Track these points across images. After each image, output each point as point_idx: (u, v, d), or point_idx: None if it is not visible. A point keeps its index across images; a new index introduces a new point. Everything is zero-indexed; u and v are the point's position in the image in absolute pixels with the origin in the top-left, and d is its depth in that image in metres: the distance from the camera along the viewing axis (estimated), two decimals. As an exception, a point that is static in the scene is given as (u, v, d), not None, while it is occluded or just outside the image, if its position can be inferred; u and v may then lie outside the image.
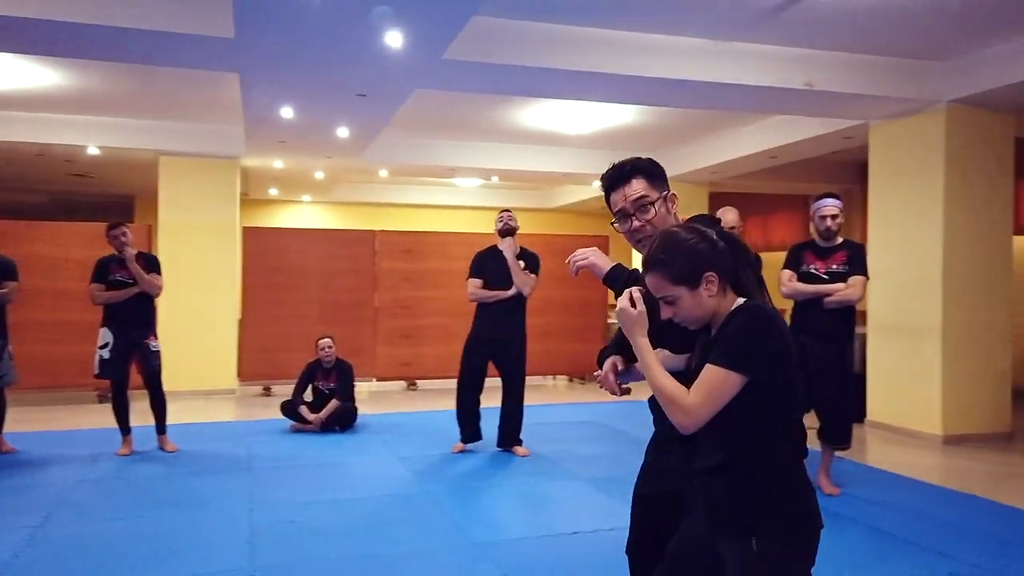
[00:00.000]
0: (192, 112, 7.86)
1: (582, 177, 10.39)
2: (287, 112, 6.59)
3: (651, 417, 2.12)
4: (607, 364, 2.11)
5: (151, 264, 5.56)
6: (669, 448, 2.07)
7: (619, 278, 2.04)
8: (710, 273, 1.66)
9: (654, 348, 1.76)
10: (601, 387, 2.17)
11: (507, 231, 5.49)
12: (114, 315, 5.43)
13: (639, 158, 2.07)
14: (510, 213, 5.57)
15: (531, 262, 5.55)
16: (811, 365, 4.41)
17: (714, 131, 8.68)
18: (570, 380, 9.93)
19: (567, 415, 7.24)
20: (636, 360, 2.12)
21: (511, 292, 5.44)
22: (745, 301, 1.69)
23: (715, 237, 1.72)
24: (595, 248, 2.12)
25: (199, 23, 4.50)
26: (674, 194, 2.06)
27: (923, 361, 6.10)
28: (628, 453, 5.66)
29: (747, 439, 1.63)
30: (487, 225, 12.49)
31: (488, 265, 5.50)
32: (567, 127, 8.29)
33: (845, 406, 4.53)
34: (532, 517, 4.17)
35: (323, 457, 5.47)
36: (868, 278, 4.46)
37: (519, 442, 5.59)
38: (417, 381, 9.22)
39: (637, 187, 2.03)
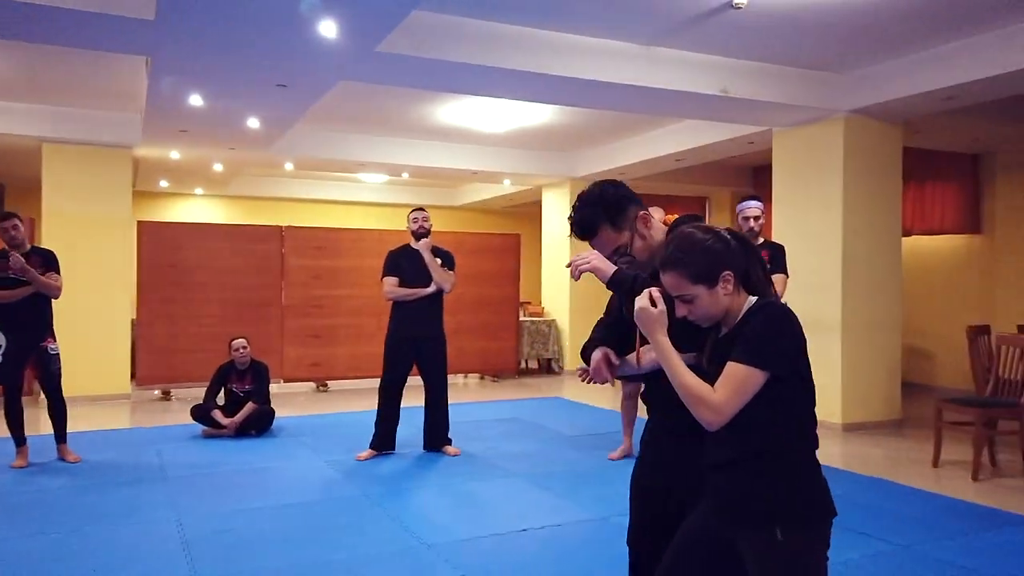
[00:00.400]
0: (81, 97, 7.31)
1: (494, 175, 10.42)
2: (195, 100, 6.24)
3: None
4: (598, 354, 2.09)
5: (48, 261, 5.14)
6: (664, 442, 2.11)
7: (625, 281, 2.03)
8: (727, 272, 1.71)
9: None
10: (585, 380, 2.17)
11: (422, 233, 5.40)
12: (7, 316, 4.98)
13: (592, 201, 2.03)
14: (425, 214, 5.44)
15: (447, 260, 5.50)
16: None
17: (625, 133, 8.91)
18: (481, 378, 9.93)
19: (486, 413, 7.23)
20: (624, 353, 2.15)
21: (430, 289, 5.37)
22: (759, 299, 1.74)
23: (729, 236, 1.77)
24: (596, 252, 2.08)
25: (116, 3, 4.19)
26: (645, 213, 2.04)
27: (824, 354, 6.49)
28: (557, 449, 5.74)
29: (763, 436, 1.67)
30: (392, 222, 12.36)
31: (402, 263, 5.40)
32: (483, 125, 8.28)
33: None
34: (478, 516, 4.14)
35: (244, 463, 5.22)
36: (788, 276, 4.71)
37: (448, 441, 5.55)
38: (328, 382, 8.97)
39: (607, 239, 2.04)
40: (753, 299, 1.75)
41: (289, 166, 10.11)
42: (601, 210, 2.02)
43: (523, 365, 10.49)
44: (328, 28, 4.44)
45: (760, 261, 1.80)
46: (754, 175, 11.46)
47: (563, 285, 10.52)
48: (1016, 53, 5.17)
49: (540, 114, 7.81)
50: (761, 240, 4.78)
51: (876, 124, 6.55)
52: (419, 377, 5.48)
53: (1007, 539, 3.75)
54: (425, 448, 5.54)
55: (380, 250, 5.76)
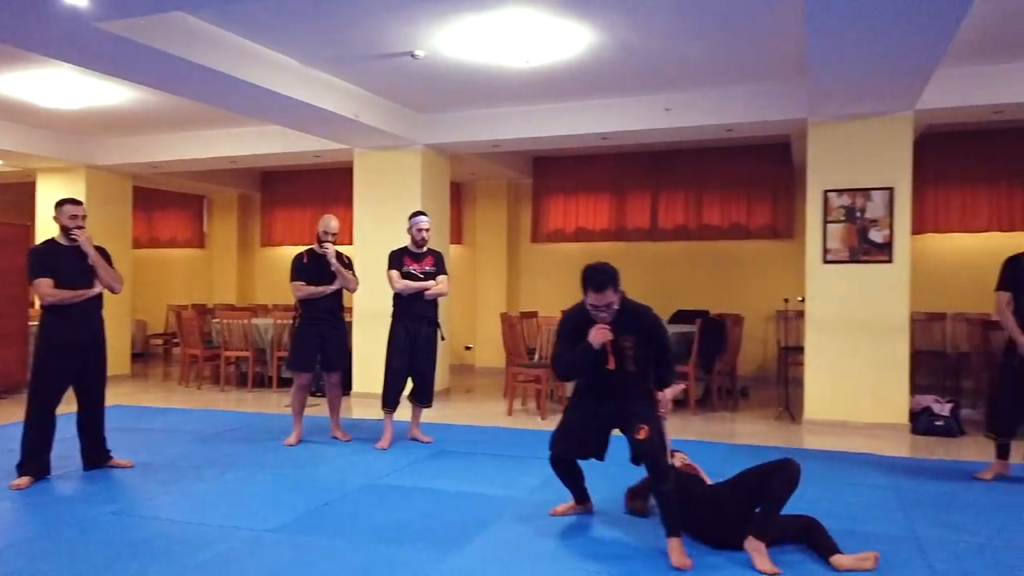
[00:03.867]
0: None
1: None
2: None
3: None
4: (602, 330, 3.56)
5: None
6: (604, 399, 3.67)
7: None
8: None
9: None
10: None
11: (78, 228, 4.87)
12: None
13: (613, 273, 3.58)
14: (83, 208, 4.90)
15: (105, 255, 5.09)
16: (418, 343, 5.70)
17: (184, 129, 8.73)
18: None
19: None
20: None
21: (97, 290, 4.92)
22: None
23: None
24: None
25: None
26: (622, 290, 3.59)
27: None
28: (227, 446, 5.79)
29: None
30: None
31: (58, 263, 4.76)
32: (48, 100, 7.16)
33: (434, 375, 5.93)
34: (282, 496, 4.31)
35: None
36: (448, 275, 5.97)
37: (110, 453, 5.09)
38: None
39: (608, 296, 3.56)
40: None
41: None
42: (612, 279, 3.58)
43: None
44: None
45: None
46: (262, 178, 12.12)
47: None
48: (531, 123, 7.54)
49: (114, 95, 7.19)
50: (426, 249, 5.89)
51: (438, 157, 8.32)
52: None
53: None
54: (88, 466, 4.97)
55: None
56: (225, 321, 8.89)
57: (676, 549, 3.37)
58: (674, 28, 5.33)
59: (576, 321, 3.74)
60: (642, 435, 3.50)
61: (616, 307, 3.59)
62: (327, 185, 11.38)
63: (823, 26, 4.40)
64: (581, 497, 4.10)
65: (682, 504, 3.51)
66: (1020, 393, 4.72)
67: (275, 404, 7.84)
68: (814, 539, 3.46)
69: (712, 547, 3.52)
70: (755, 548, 3.33)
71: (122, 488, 4.61)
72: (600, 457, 3.84)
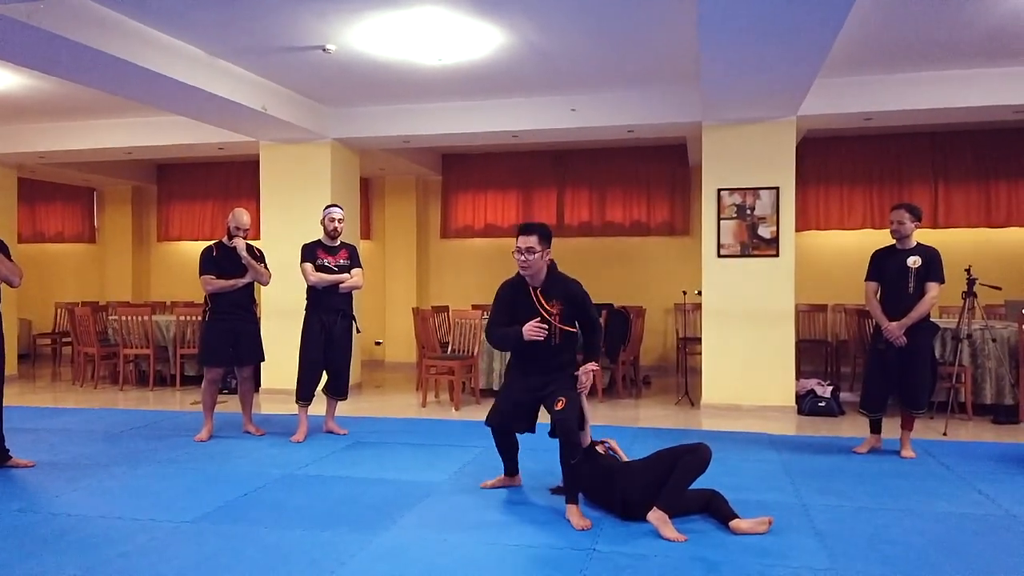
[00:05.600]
0: None
1: None
2: None
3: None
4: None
5: None
6: (532, 372, 3.88)
7: None
8: None
9: None
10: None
11: None
12: None
13: (544, 226, 3.99)
14: None
15: (3, 247, 4.92)
16: (334, 336, 5.74)
17: (77, 117, 8.37)
18: None
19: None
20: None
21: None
22: None
23: None
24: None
25: None
26: (548, 250, 3.98)
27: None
28: (129, 443, 5.65)
29: None
30: None
31: None
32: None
33: (349, 367, 5.98)
34: (196, 488, 4.22)
35: None
36: (362, 268, 6.02)
37: (9, 453, 4.90)
38: None
39: (531, 240, 3.92)
40: None
41: None
42: (539, 228, 3.97)
43: None
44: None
45: None
46: (158, 171, 11.70)
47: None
48: (443, 120, 7.69)
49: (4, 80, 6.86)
50: (340, 242, 5.92)
51: (347, 151, 8.30)
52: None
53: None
54: (-5, 466, 4.78)
55: None
56: (123, 318, 8.57)
57: (575, 514, 3.74)
58: (575, 33, 5.58)
59: (510, 289, 4.11)
60: (560, 406, 3.80)
61: (536, 254, 3.90)
62: (228, 178, 11.14)
63: (714, 39, 4.76)
64: (512, 470, 4.37)
65: (603, 487, 3.86)
66: (886, 373, 5.23)
67: (179, 402, 7.66)
68: (715, 508, 3.77)
69: (623, 519, 3.78)
70: (659, 519, 3.59)
71: (26, 486, 4.45)
72: (531, 429, 4.17)
